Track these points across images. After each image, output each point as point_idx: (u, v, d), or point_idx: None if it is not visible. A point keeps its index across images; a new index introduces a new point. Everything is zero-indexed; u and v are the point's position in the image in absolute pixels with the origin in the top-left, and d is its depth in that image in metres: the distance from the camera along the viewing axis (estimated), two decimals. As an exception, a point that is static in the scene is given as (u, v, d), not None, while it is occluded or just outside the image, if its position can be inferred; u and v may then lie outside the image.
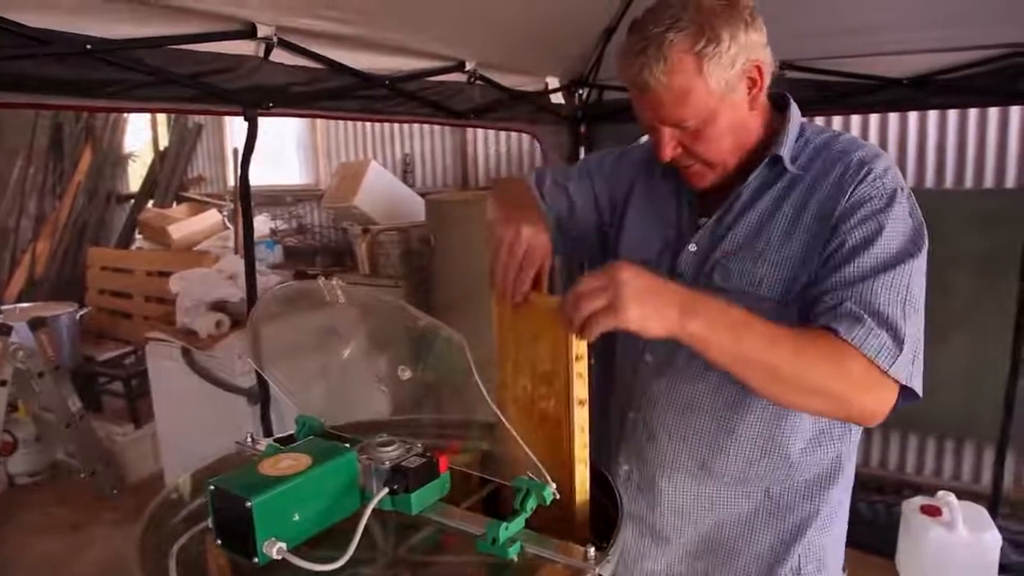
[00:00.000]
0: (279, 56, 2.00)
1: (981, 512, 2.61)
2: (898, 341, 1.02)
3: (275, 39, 1.95)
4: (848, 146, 1.16)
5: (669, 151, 1.15)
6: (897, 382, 1.03)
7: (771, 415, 1.20)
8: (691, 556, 1.30)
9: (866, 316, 1.02)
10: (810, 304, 1.09)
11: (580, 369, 0.99)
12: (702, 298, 0.98)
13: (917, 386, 1.06)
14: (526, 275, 1.06)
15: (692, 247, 1.22)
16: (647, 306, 0.93)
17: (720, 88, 1.08)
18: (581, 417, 1.00)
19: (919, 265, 1.09)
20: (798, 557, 1.25)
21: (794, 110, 1.21)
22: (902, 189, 1.12)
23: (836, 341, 1.01)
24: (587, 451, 1.01)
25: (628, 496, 1.29)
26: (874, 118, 3.40)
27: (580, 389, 0.99)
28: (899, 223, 1.10)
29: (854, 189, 1.11)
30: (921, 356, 1.07)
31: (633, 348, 1.29)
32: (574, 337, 0.97)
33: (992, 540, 2.51)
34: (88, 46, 1.59)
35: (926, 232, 1.12)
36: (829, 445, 1.23)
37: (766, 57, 1.12)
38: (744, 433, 1.21)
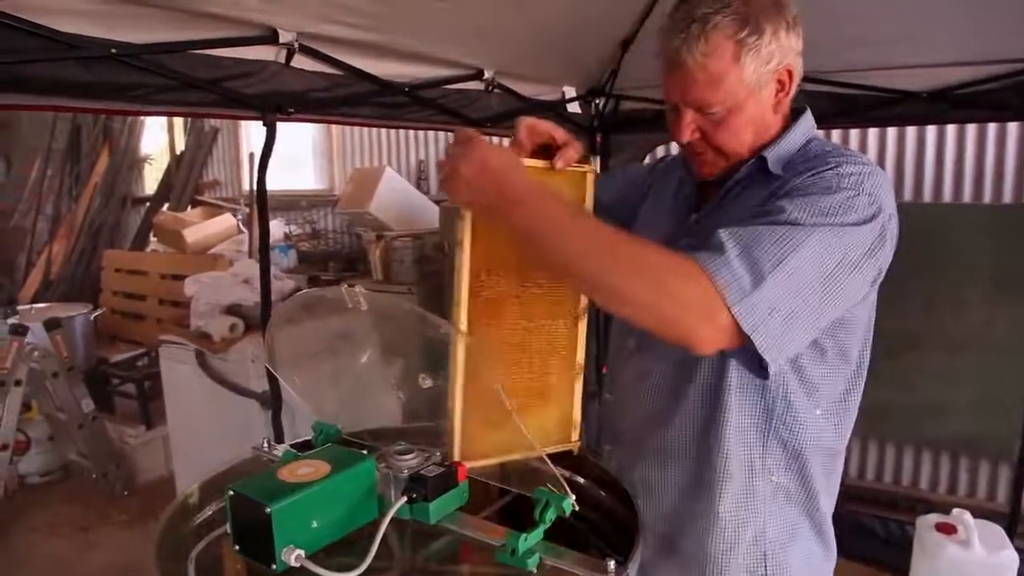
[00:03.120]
0: (300, 62, 2.01)
1: (998, 531, 2.57)
2: (756, 282, 0.94)
3: (296, 45, 1.96)
4: (844, 156, 1.12)
5: (688, 134, 1.15)
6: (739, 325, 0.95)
7: (707, 416, 1.20)
8: (663, 547, 1.29)
9: (730, 249, 0.96)
10: None
11: None
12: (535, 189, 0.99)
13: (765, 346, 0.96)
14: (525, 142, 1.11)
15: (684, 242, 1.23)
16: (473, 187, 0.99)
17: (752, 81, 1.09)
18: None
19: (830, 243, 0.99)
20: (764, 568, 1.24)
21: (805, 121, 1.21)
22: (870, 194, 1.04)
23: (688, 264, 0.96)
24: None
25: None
26: (891, 132, 3.38)
27: None
28: (833, 197, 1.02)
29: (816, 172, 1.07)
30: (788, 325, 0.98)
31: (620, 331, 1.33)
32: None
33: (1009, 559, 2.47)
34: (113, 50, 1.60)
35: (874, 232, 1.03)
36: (776, 462, 1.21)
37: (798, 65, 1.14)
38: (692, 413, 1.22)
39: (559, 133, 1.11)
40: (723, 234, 0.98)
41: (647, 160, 3.50)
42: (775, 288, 0.95)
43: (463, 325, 1.02)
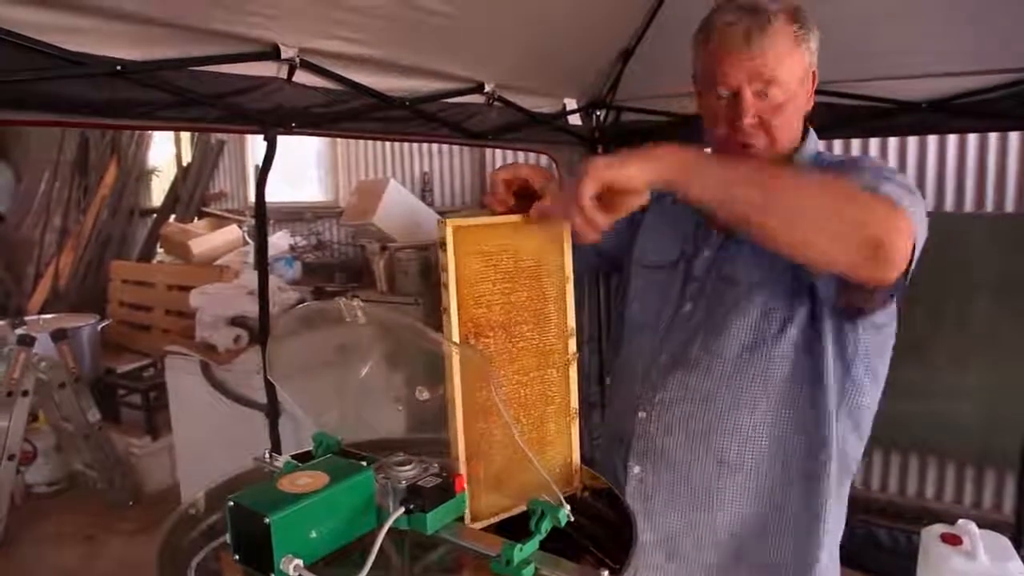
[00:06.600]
0: (301, 77, 2.03)
1: (1004, 542, 2.56)
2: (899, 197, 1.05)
3: (297, 60, 1.97)
4: (862, 160, 1.25)
5: (751, 116, 1.17)
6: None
7: (777, 409, 1.23)
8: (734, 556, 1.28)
9: (880, 182, 1.06)
10: None
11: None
12: (702, 159, 1.05)
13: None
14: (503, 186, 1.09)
15: (707, 252, 1.30)
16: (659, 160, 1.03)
17: (803, 71, 1.17)
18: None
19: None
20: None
21: (812, 134, 1.27)
22: (900, 176, 1.14)
23: (852, 188, 1.03)
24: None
25: (642, 499, 1.30)
26: (892, 142, 3.39)
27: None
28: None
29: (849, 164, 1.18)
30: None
31: (649, 349, 1.32)
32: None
33: (1015, 571, 2.45)
34: (118, 67, 1.63)
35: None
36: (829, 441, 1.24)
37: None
38: (754, 424, 1.24)
39: (537, 178, 1.08)
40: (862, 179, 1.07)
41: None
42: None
43: (458, 398, 1.02)
